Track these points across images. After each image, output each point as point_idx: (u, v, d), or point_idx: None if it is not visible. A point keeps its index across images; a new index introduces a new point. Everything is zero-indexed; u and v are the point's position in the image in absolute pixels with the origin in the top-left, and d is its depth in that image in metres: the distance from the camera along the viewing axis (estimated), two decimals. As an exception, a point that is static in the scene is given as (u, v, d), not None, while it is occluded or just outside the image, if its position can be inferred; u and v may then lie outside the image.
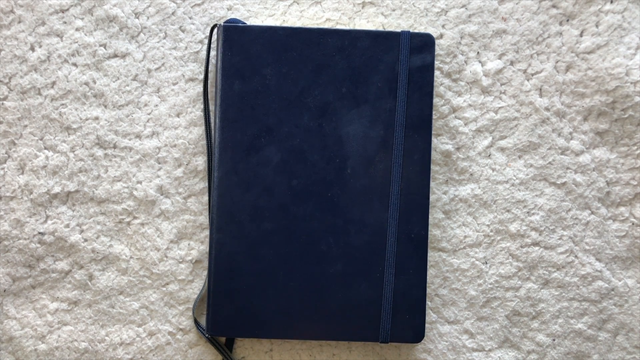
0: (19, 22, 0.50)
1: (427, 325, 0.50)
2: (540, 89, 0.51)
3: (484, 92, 0.51)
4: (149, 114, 0.50)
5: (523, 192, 0.51)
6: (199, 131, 0.50)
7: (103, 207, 0.50)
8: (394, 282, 0.47)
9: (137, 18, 0.50)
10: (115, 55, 0.50)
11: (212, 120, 0.50)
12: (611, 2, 0.51)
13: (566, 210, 0.51)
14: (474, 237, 0.51)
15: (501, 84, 0.51)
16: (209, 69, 0.50)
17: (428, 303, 0.51)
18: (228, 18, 0.50)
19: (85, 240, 0.50)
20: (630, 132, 0.50)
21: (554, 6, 0.51)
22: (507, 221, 0.51)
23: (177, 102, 0.50)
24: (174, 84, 0.50)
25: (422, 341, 0.50)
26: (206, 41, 0.50)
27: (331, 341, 0.50)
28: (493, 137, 0.51)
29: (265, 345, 0.50)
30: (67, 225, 0.50)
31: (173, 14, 0.51)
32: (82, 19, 0.50)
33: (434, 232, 0.50)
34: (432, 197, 0.50)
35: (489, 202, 0.51)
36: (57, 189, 0.50)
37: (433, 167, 0.50)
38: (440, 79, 0.51)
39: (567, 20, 0.51)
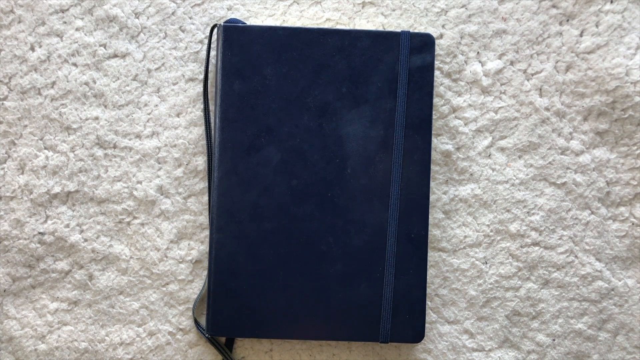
0: (19, 22, 0.50)
1: (427, 325, 0.50)
2: (540, 89, 0.51)
3: (484, 92, 0.51)
4: (149, 114, 0.50)
5: (523, 192, 0.51)
6: (199, 131, 0.50)
7: (103, 207, 0.50)
8: (394, 282, 0.47)
9: (137, 18, 0.50)
10: (115, 55, 0.50)
11: (212, 120, 0.50)
12: (611, 2, 0.51)
13: (566, 210, 0.51)
14: (474, 237, 0.51)
15: (501, 84, 0.51)
16: (209, 69, 0.50)
17: (428, 303, 0.51)
18: (228, 18, 0.50)
19: (85, 240, 0.50)
20: (630, 132, 0.50)
21: (554, 6, 0.51)
22: (507, 221, 0.51)
23: (177, 102, 0.50)
24: (174, 84, 0.50)
25: (422, 341, 0.50)
26: (206, 41, 0.50)
27: (331, 341, 0.50)
28: (493, 137, 0.51)
29: (265, 345, 0.50)
30: (67, 225, 0.50)
31: (173, 14, 0.51)
32: (82, 19, 0.50)
33: (434, 232, 0.50)
34: (432, 197, 0.50)
35: (489, 202, 0.51)
36: (57, 189, 0.50)
37: (433, 167, 0.50)
38: (440, 79, 0.51)
39: (567, 20, 0.51)
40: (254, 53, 0.47)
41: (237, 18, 0.50)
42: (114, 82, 0.50)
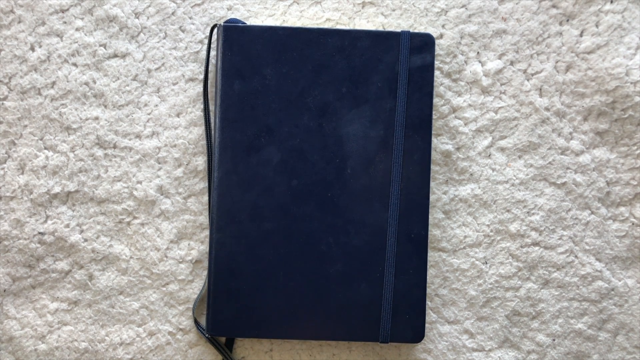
0: (19, 22, 0.50)
1: (427, 325, 0.50)
2: (540, 89, 0.51)
3: (484, 92, 0.51)
4: (149, 114, 0.50)
5: (523, 192, 0.51)
6: (199, 131, 0.50)
7: (103, 207, 0.50)
8: (394, 282, 0.47)
9: (137, 18, 0.50)
10: (115, 55, 0.50)
11: (212, 120, 0.50)
12: (611, 2, 0.51)
13: (566, 210, 0.51)
14: (474, 237, 0.51)
15: (501, 84, 0.51)
16: (209, 69, 0.50)
17: (428, 303, 0.51)
18: (228, 18, 0.50)
19: (85, 240, 0.50)
20: (630, 132, 0.50)
21: (554, 6, 0.51)
22: (507, 221, 0.51)
23: (177, 102, 0.50)
24: (174, 84, 0.50)
25: (422, 341, 0.50)
26: (206, 41, 0.50)
27: (331, 341, 0.50)
28: (493, 137, 0.51)
29: (265, 345, 0.50)
30: (67, 225, 0.50)
31: (173, 14, 0.51)
32: (82, 19, 0.50)
33: (434, 232, 0.50)
34: (432, 197, 0.50)
35: (489, 202, 0.51)
36: (57, 189, 0.50)
37: (433, 167, 0.50)
38: (440, 79, 0.51)
39: (567, 20, 0.51)
40: (254, 53, 0.47)
41: (237, 18, 0.50)
42: (114, 82, 0.50)
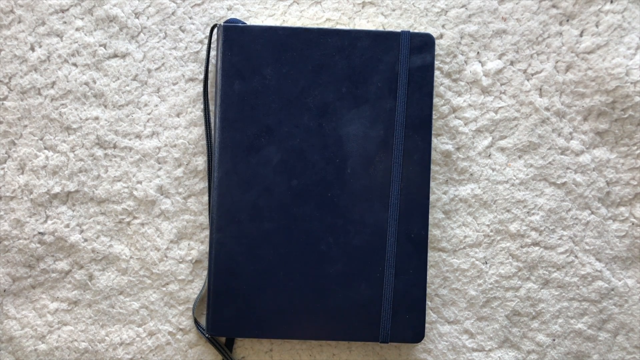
0: (19, 22, 0.50)
1: (427, 325, 0.50)
2: (540, 89, 0.51)
3: (484, 92, 0.51)
4: (149, 114, 0.50)
5: (523, 192, 0.51)
6: (199, 131, 0.50)
7: (103, 207, 0.50)
8: (394, 282, 0.47)
9: (137, 18, 0.50)
10: (115, 55, 0.50)
11: (212, 120, 0.50)
12: (611, 2, 0.51)
13: (566, 210, 0.51)
14: (474, 237, 0.51)
15: (501, 84, 0.51)
16: (209, 69, 0.50)
17: (428, 303, 0.51)
18: (228, 18, 0.50)
19: (85, 240, 0.50)
20: (630, 132, 0.50)
21: (554, 6, 0.51)
22: (507, 221, 0.51)
23: (177, 102, 0.50)
24: (174, 84, 0.50)
25: (422, 341, 0.50)
26: (206, 41, 0.50)
27: (331, 341, 0.50)
28: (493, 137, 0.51)
29: (265, 345, 0.50)
30: (67, 225, 0.50)
31: (173, 14, 0.51)
32: (82, 19, 0.50)
33: (434, 232, 0.50)
34: (432, 197, 0.50)
35: (489, 202, 0.51)
36: (57, 189, 0.50)
37: (433, 167, 0.50)
38: (440, 79, 0.51)
39: (567, 20, 0.51)
40: (254, 53, 0.47)
41: (237, 18, 0.50)
42: (114, 82, 0.50)
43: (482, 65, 0.51)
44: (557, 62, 0.51)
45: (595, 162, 0.51)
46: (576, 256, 0.51)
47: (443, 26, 0.51)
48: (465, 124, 0.51)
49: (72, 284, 0.50)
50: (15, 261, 0.50)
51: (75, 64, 0.50)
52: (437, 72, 0.51)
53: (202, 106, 0.50)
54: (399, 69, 0.47)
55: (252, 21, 0.51)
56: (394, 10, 0.51)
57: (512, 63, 0.51)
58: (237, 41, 0.47)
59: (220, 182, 0.47)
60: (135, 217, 0.50)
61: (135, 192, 0.50)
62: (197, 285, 0.50)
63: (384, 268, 0.47)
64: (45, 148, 0.50)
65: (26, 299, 0.50)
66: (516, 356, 0.51)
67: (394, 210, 0.47)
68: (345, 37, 0.47)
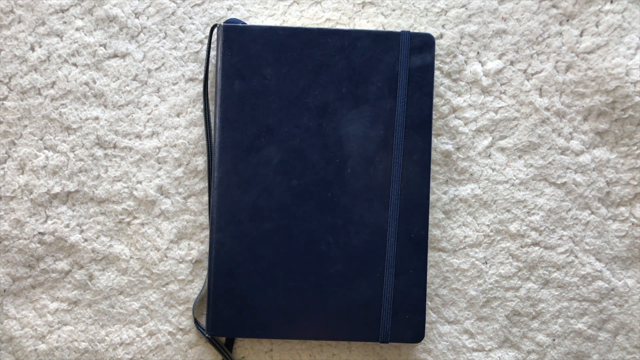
0: (19, 22, 0.50)
1: (427, 325, 0.50)
2: (540, 89, 0.51)
3: (484, 92, 0.51)
4: (149, 114, 0.50)
5: (523, 192, 0.51)
6: (199, 131, 0.50)
7: (103, 207, 0.50)
8: (394, 282, 0.47)
9: (137, 18, 0.50)
10: (115, 55, 0.50)
11: (212, 120, 0.50)
12: (611, 2, 0.51)
13: (566, 210, 0.51)
14: (474, 237, 0.51)
15: (501, 84, 0.51)
16: (209, 69, 0.50)
17: (428, 303, 0.51)
18: (228, 18, 0.50)
19: (85, 240, 0.50)
20: (630, 132, 0.50)
21: (554, 6, 0.51)
22: (507, 221, 0.51)
23: (177, 102, 0.50)
24: (174, 84, 0.50)
25: (422, 341, 0.50)
26: (206, 41, 0.50)
27: (331, 341, 0.50)
28: (493, 137, 0.51)
29: (265, 345, 0.50)
30: (67, 225, 0.50)
31: (173, 14, 0.51)
32: (82, 19, 0.50)
33: (434, 232, 0.50)
34: (432, 197, 0.50)
35: (489, 202, 0.51)
36: (57, 189, 0.50)
37: (433, 167, 0.50)
38: (440, 79, 0.51)
39: (567, 20, 0.51)
40: (254, 53, 0.47)
41: (237, 18, 0.50)
42: (114, 82, 0.50)
43: (482, 65, 0.51)
44: (557, 62, 0.51)
45: (595, 162, 0.51)
46: (576, 256, 0.51)
47: (443, 26, 0.51)
48: (465, 124, 0.51)
49: (72, 284, 0.50)
50: (15, 261, 0.50)
51: (75, 64, 0.50)
52: (437, 72, 0.51)
53: (202, 106, 0.50)
54: (399, 69, 0.47)
55: (252, 21, 0.51)
56: (394, 10, 0.51)
57: (512, 63, 0.51)
58: (237, 41, 0.47)
59: (220, 182, 0.47)
60: (135, 217, 0.50)
61: (135, 192, 0.50)
62: (197, 285, 0.50)
63: (384, 268, 0.47)
64: (45, 148, 0.50)
65: (26, 299, 0.50)
66: (516, 356, 0.51)
67: (394, 210, 0.47)
68: (345, 37, 0.47)
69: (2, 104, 0.50)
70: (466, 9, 0.51)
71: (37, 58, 0.50)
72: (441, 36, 0.51)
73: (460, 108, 0.51)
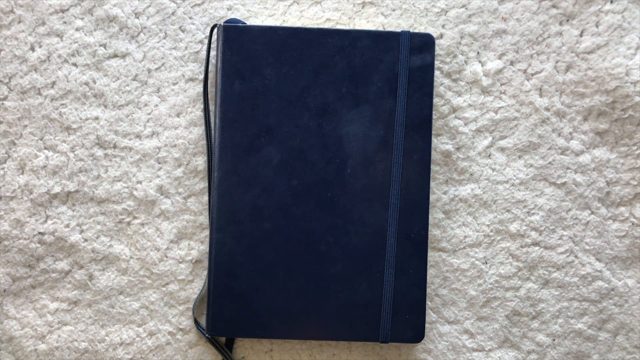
0: (19, 22, 0.50)
1: (427, 325, 0.50)
2: (540, 89, 0.51)
3: (484, 92, 0.51)
4: (149, 114, 0.50)
5: (523, 192, 0.51)
6: (199, 131, 0.50)
7: (103, 207, 0.50)
8: (394, 282, 0.47)
9: (137, 18, 0.50)
10: (115, 55, 0.50)
11: (212, 120, 0.50)
12: (611, 2, 0.51)
13: (566, 210, 0.51)
14: (474, 237, 0.51)
15: (501, 84, 0.51)
16: (209, 69, 0.50)
17: (428, 303, 0.51)
18: (228, 18, 0.50)
19: (85, 240, 0.50)
20: (630, 132, 0.50)
21: (554, 6, 0.51)
22: (507, 221, 0.51)
23: (177, 102, 0.50)
24: (174, 84, 0.50)
25: (422, 341, 0.50)
26: (206, 41, 0.50)
27: (331, 341, 0.50)
28: (493, 137, 0.51)
29: (265, 345, 0.50)
30: (67, 225, 0.50)
31: (173, 14, 0.51)
32: (82, 19, 0.50)
33: (434, 232, 0.50)
34: (432, 197, 0.50)
35: (489, 202, 0.51)
36: (57, 189, 0.50)
37: (433, 167, 0.50)
38: (440, 79, 0.51)
39: (567, 20, 0.51)
40: (254, 53, 0.47)
41: (237, 18, 0.50)
42: (114, 82, 0.50)
43: (482, 65, 0.51)
44: (557, 62, 0.51)
45: (595, 162, 0.51)
46: (576, 256, 0.51)
47: (443, 26, 0.51)
48: (465, 124, 0.51)
49: (72, 284, 0.50)
50: (15, 261, 0.50)
51: (75, 64, 0.50)
52: (437, 72, 0.51)
53: (202, 106, 0.50)
54: (399, 69, 0.47)
55: (252, 21, 0.51)
56: (394, 10, 0.51)
57: (512, 63, 0.51)
58: (237, 41, 0.47)
59: (220, 182, 0.47)
60: (135, 217, 0.50)
61: (135, 192, 0.50)
62: (197, 285, 0.50)
63: (384, 268, 0.47)
64: (45, 148, 0.50)
65: (26, 299, 0.50)
66: (516, 356, 0.51)
67: (394, 210, 0.47)
68: (345, 37, 0.47)
69: (2, 104, 0.50)
70: (466, 9, 0.51)
71: (37, 58, 0.50)
72: (441, 36, 0.51)
73: (460, 108, 0.51)
